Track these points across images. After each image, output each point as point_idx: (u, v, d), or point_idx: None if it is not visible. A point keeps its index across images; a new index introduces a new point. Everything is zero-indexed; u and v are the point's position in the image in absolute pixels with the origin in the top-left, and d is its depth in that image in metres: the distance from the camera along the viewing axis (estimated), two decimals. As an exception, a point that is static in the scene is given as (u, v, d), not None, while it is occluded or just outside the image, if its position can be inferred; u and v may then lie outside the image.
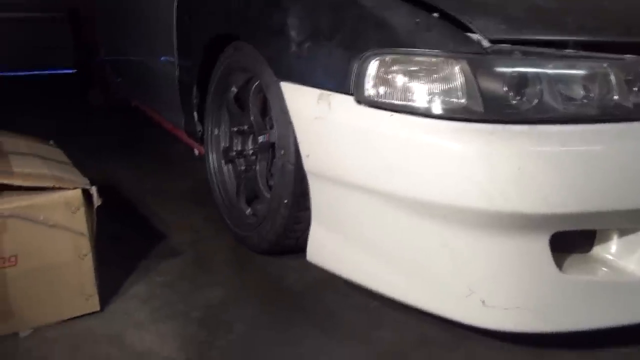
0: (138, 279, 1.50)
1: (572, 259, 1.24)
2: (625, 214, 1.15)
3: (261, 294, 1.47)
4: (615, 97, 1.15)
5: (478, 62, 1.12)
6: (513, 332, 1.18)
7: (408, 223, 1.19)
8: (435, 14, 1.19)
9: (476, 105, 1.11)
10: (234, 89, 1.74)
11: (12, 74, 4.86)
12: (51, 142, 1.68)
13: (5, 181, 1.18)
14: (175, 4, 2.03)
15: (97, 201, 1.27)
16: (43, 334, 1.24)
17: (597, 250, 1.27)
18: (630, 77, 1.17)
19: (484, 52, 1.13)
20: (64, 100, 3.97)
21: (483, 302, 1.16)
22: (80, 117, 3.45)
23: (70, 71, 4.60)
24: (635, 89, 1.17)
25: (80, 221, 1.24)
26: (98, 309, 1.32)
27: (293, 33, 1.36)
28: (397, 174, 1.16)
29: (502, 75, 1.12)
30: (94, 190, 1.26)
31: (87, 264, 1.27)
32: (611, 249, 1.26)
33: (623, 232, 1.23)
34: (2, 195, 1.18)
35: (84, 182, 1.29)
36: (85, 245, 1.26)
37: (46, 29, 4.77)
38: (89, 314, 1.32)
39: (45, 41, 4.74)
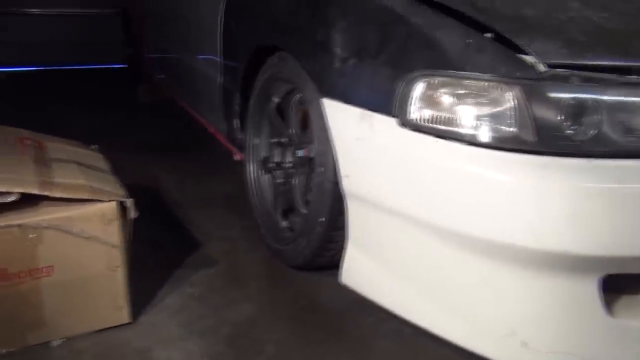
0: (171, 290, 1.49)
1: (623, 301, 1.15)
2: (688, 259, 1.05)
3: (293, 313, 1.43)
4: (683, 130, 1.06)
5: (532, 88, 1.05)
6: (557, 378, 1.11)
7: (448, 255, 1.13)
8: (489, 35, 1.12)
9: (528, 134, 1.04)
10: (276, 99, 1.71)
11: (65, 67, 4.98)
12: (93, 146, 1.70)
13: (45, 193, 1.18)
14: (222, 8, 2.01)
15: (132, 214, 1.26)
16: (73, 344, 1.25)
17: (653, 292, 1.17)
18: (700, 109, 1.07)
19: (539, 77, 1.06)
20: (113, 95, 4.04)
21: (525, 344, 1.09)
22: (127, 114, 3.50)
23: (121, 66, 4.68)
24: None
25: (113, 233, 1.24)
26: (129, 321, 1.32)
27: (337, 49, 1.31)
28: (439, 204, 1.10)
29: (557, 103, 1.05)
30: (129, 203, 1.26)
31: (119, 276, 1.27)
32: (669, 292, 1.17)
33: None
34: (40, 206, 1.19)
35: (120, 193, 1.28)
36: (117, 258, 1.26)
37: (99, 25, 4.87)
38: (120, 325, 1.31)
39: (97, 37, 4.83)
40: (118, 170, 1.53)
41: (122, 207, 1.26)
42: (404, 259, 1.24)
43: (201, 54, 2.34)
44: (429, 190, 1.12)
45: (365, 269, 1.34)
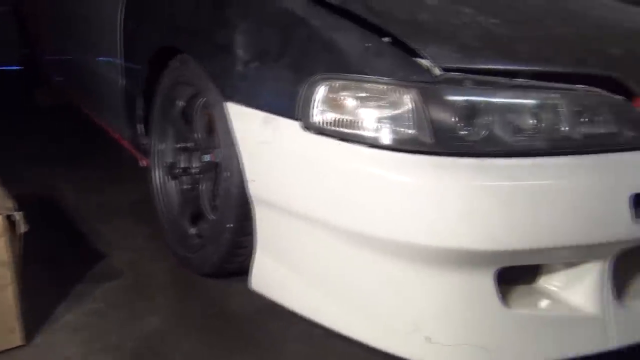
0: (70, 307, 1.40)
1: (517, 292, 1.21)
2: (573, 249, 1.13)
3: (203, 322, 1.39)
4: (565, 129, 1.13)
5: (428, 91, 1.09)
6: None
7: (353, 257, 1.15)
8: (387, 39, 1.15)
9: (426, 136, 1.08)
10: (181, 103, 1.66)
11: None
12: (-21, 155, 1.57)
13: None
14: (122, 7, 1.92)
15: (22, 228, 1.18)
16: (-43, 373, 1.15)
17: (542, 281, 1.25)
18: (580, 109, 1.15)
19: (434, 80, 1.09)
20: (7, 99, 3.76)
21: (428, 338, 1.12)
22: (23, 120, 3.27)
23: (16, 68, 4.37)
24: (585, 120, 1.16)
25: (1, 249, 1.14)
26: (21, 343, 1.23)
27: (239, 51, 1.29)
28: (342, 206, 1.12)
29: (452, 105, 1.09)
30: (17, 216, 1.17)
31: (9, 296, 1.18)
32: (556, 281, 1.24)
33: (569, 264, 1.22)
34: None
35: (8, 206, 1.19)
36: (6, 276, 1.16)
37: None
38: (13, 349, 1.22)
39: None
40: (11, 181, 1.42)
41: (10, 221, 1.17)
42: (311, 262, 1.24)
43: (101, 55, 2.23)
44: (333, 193, 1.13)
45: (274, 274, 1.33)
